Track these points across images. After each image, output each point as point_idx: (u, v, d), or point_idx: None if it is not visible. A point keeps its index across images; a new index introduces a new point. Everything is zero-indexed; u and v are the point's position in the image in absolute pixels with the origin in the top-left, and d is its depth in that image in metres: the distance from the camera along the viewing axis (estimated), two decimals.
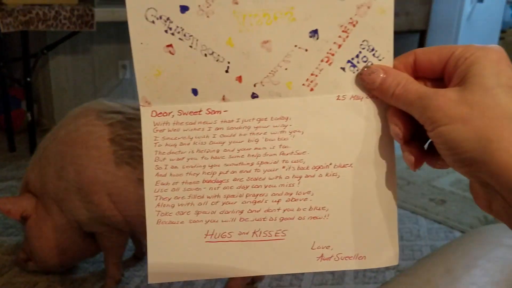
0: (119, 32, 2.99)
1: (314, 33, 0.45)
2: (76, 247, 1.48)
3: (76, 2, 2.20)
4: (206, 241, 0.46)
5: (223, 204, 0.46)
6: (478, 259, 0.78)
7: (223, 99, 0.46)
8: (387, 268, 1.69)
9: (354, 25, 0.45)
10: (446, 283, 0.71)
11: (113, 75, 3.04)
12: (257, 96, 0.46)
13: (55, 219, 1.41)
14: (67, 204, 1.38)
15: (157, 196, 0.47)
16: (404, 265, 1.72)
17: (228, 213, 0.46)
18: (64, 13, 2.11)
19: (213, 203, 0.46)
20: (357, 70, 0.46)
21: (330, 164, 0.46)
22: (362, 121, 0.46)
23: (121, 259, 1.52)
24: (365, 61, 0.46)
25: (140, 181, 1.29)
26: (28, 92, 2.19)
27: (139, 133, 1.46)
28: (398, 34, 4.88)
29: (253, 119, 0.46)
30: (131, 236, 1.67)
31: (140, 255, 1.69)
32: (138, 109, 1.49)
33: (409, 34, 4.46)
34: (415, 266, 0.81)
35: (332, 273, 1.65)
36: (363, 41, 0.45)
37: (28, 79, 2.15)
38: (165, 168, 0.47)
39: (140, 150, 1.46)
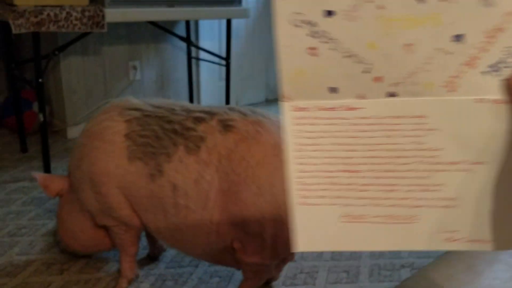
0: (129, 33, 3.00)
1: (459, 37, 0.47)
2: (86, 236, 1.55)
3: (86, 3, 2.21)
4: (343, 221, 0.52)
5: (359, 191, 0.51)
6: (500, 254, 0.77)
7: (360, 97, 0.49)
8: (402, 266, 1.68)
9: (499, 31, 0.46)
10: (469, 279, 0.70)
11: (124, 76, 3.05)
12: (394, 95, 0.49)
13: (73, 205, 1.52)
14: (81, 193, 1.46)
15: (298, 181, 0.51)
16: (419, 263, 1.70)
17: (363, 199, 0.51)
18: (75, 14, 2.12)
19: (349, 190, 0.51)
20: (499, 75, 0.47)
21: (465, 160, 0.49)
22: (500, 123, 0.48)
23: (134, 259, 1.53)
24: (508, 67, 0.47)
25: (152, 176, 1.32)
26: (40, 93, 2.20)
27: (153, 130, 1.47)
28: None
29: (389, 116, 0.49)
30: (146, 235, 1.68)
31: (154, 254, 1.69)
32: (159, 107, 1.50)
33: None
34: (435, 263, 0.80)
35: (347, 271, 1.64)
36: (508, 47, 0.47)
37: (40, 80, 2.16)
38: (305, 158, 0.51)
39: (153, 146, 1.47)
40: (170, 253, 1.73)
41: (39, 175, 1.55)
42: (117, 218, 1.43)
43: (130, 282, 1.53)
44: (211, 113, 1.33)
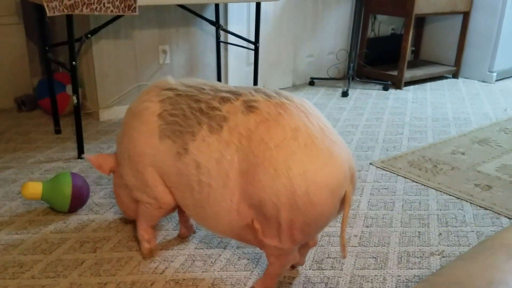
0: (159, 16, 3.01)
1: None
2: (126, 206, 1.67)
3: None
4: None
5: None
6: None
7: None
8: (432, 254, 1.66)
9: None
10: (510, 268, 0.68)
11: (154, 60, 3.08)
12: None
13: (118, 178, 1.64)
14: (122, 168, 1.56)
15: None
16: (449, 251, 1.68)
17: None
18: None
19: None
20: None
21: None
22: None
23: (150, 227, 1.60)
24: None
25: (179, 154, 1.35)
26: (74, 76, 2.24)
27: (182, 109, 1.52)
28: (441, 16, 4.73)
29: None
30: (178, 215, 1.72)
31: (184, 235, 1.72)
32: (190, 86, 1.54)
33: (452, 15, 4.31)
34: (471, 252, 0.79)
35: (375, 257, 1.63)
36: None
37: (74, 63, 2.19)
38: None
39: (180, 125, 1.50)
40: (199, 234, 1.75)
41: (92, 156, 1.62)
42: (152, 196, 1.47)
43: (149, 242, 1.60)
44: (237, 94, 1.34)
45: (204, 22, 3.18)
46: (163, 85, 1.47)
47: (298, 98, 1.33)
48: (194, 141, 1.33)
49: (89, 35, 2.40)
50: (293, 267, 1.57)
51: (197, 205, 1.38)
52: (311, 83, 4.01)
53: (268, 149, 1.22)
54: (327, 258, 1.63)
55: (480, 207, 2.00)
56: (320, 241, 1.72)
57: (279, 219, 1.24)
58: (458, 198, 2.07)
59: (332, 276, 1.53)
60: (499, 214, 1.95)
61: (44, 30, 2.59)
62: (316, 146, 1.22)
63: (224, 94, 1.35)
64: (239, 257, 1.63)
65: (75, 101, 2.27)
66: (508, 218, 1.92)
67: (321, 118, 1.31)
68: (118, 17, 2.50)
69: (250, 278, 1.51)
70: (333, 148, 1.24)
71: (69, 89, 2.89)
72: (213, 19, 3.16)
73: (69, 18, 2.15)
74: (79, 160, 2.36)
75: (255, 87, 1.39)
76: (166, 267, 1.56)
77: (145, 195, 1.49)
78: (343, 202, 1.28)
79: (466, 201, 2.05)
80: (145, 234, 1.60)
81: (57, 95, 2.74)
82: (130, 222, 1.81)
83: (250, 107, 1.29)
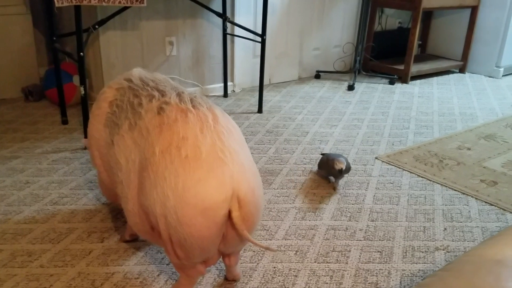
0: (166, 8, 3.01)
1: None
2: (104, 188, 1.61)
3: None
4: None
5: None
6: None
7: None
8: (437, 249, 1.67)
9: None
10: None
11: (161, 51, 3.08)
12: None
13: None
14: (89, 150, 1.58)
15: None
16: (454, 246, 1.69)
17: None
18: None
19: None
20: None
21: None
22: None
23: None
24: None
25: (109, 144, 1.37)
26: (81, 67, 2.25)
27: (123, 101, 1.40)
28: (449, 10, 4.68)
29: None
30: None
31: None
32: (142, 80, 1.42)
33: (460, 10, 4.28)
34: (479, 247, 0.79)
35: (380, 251, 1.64)
36: None
37: (81, 53, 2.20)
38: None
39: (116, 116, 1.51)
40: None
41: (86, 140, 1.64)
42: (102, 180, 1.54)
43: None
44: (163, 93, 1.29)
45: (211, 14, 3.18)
46: (127, 75, 1.48)
47: (209, 108, 1.24)
48: (118, 135, 1.31)
49: (96, 26, 2.41)
50: (232, 280, 1.47)
51: (121, 198, 1.33)
52: (317, 76, 4.00)
53: (154, 154, 1.16)
54: (332, 251, 1.64)
55: (486, 202, 2.00)
56: (325, 234, 1.74)
57: (160, 230, 1.17)
58: (464, 194, 2.07)
59: (337, 269, 1.54)
60: (505, 210, 1.95)
61: (51, 21, 2.59)
62: (197, 160, 1.12)
63: (155, 93, 1.30)
64: (244, 249, 1.64)
65: (83, 92, 2.28)
66: None
67: (223, 133, 1.18)
68: (125, 8, 2.50)
69: (256, 270, 1.53)
70: (217, 166, 1.12)
71: (76, 79, 2.90)
72: (220, 11, 3.16)
73: (77, 8, 2.15)
74: (86, 150, 2.37)
75: (182, 89, 1.32)
76: None
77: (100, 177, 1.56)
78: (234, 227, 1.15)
79: (472, 197, 2.05)
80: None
81: (64, 86, 2.75)
82: None
83: (161, 108, 1.23)
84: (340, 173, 2.02)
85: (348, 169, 2.09)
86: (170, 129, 1.17)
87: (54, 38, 2.56)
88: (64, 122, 2.71)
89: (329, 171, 2.07)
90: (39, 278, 1.45)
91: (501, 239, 0.81)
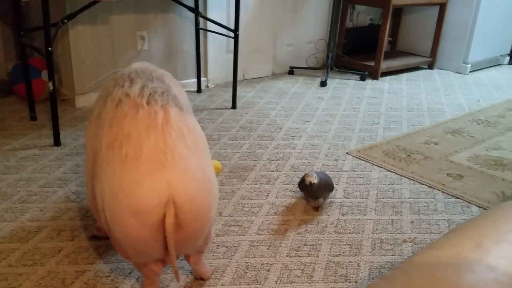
0: (137, 2, 2.97)
1: None
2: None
3: None
4: None
5: None
6: (507, 233, 0.78)
7: None
8: (404, 241, 1.71)
9: None
10: (476, 257, 0.72)
11: (132, 46, 3.04)
12: None
13: None
14: None
15: None
16: (421, 238, 1.74)
17: None
18: None
19: None
20: None
21: None
22: None
23: None
24: None
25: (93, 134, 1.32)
26: (49, 62, 2.20)
27: (105, 89, 1.34)
28: (418, 7, 4.77)
29: None
30: None
31: None
32: (130, 71, 1.35)
33: (429, 6, 4.37)
34: (441, 240, 0.82)
35: (350, 244, 1.68)
36: None
37: (50, 48, 2.16)
38: None
39: (97, 104, 1.35)
40: None
41: None
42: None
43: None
44: (134, 84, 1.22)
45: (183, 8, 3.16)
46: (126, 69, 1.42)
47: (163, 106, 1.17)
48: (91, 122, 1.29)
49: (65, 20, 2.36)
50: (200, 278, 1.46)
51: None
52: (291, 72, 4.03)
53: (101, 148, 1.14)
54: (304, 245, 1.66)
55: (452, 196, 2.07)
56: (297, 228, 1.76)
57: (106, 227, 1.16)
58: (431, 187, 2.13)
59: (308, 263, 1.57)
60: (470, 203, 2.01)
61: (18, 14, 2.53)
62: (136, 160, 1.07)
63: (125, 83, 1.24)
64: (217, 245, 1.65)
65: (51, 87, 2.24)
66: (478, 207, 1.98)
67: (170, 135, 1.12)
68: (95, 2, 2.46)
69: (229, 266, 1.54)
70: (155, 168, 1.08)
71: (44, 74, 2.84)
72: (192, 5, 3.14)
73: (45, 2, 2.11)
74: (55, 147, 2.33)
75: (157, 84, 1.25)
76: None
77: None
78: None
79: (438, 190, 2.11)
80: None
81: (33, 81, 2.70)
82: None
83: (120, 101, 1.19)
84: (311, 188, 1.80)
85: (325, 185, 1.85)
86: (119, 125, 1.13)
87: (22, 33, 2.50)
88: (33, 118, 2.65)
89: (303, 188, 1.87)
90: (8, 277, 1.42)
91: (463, 231, 0.84)
